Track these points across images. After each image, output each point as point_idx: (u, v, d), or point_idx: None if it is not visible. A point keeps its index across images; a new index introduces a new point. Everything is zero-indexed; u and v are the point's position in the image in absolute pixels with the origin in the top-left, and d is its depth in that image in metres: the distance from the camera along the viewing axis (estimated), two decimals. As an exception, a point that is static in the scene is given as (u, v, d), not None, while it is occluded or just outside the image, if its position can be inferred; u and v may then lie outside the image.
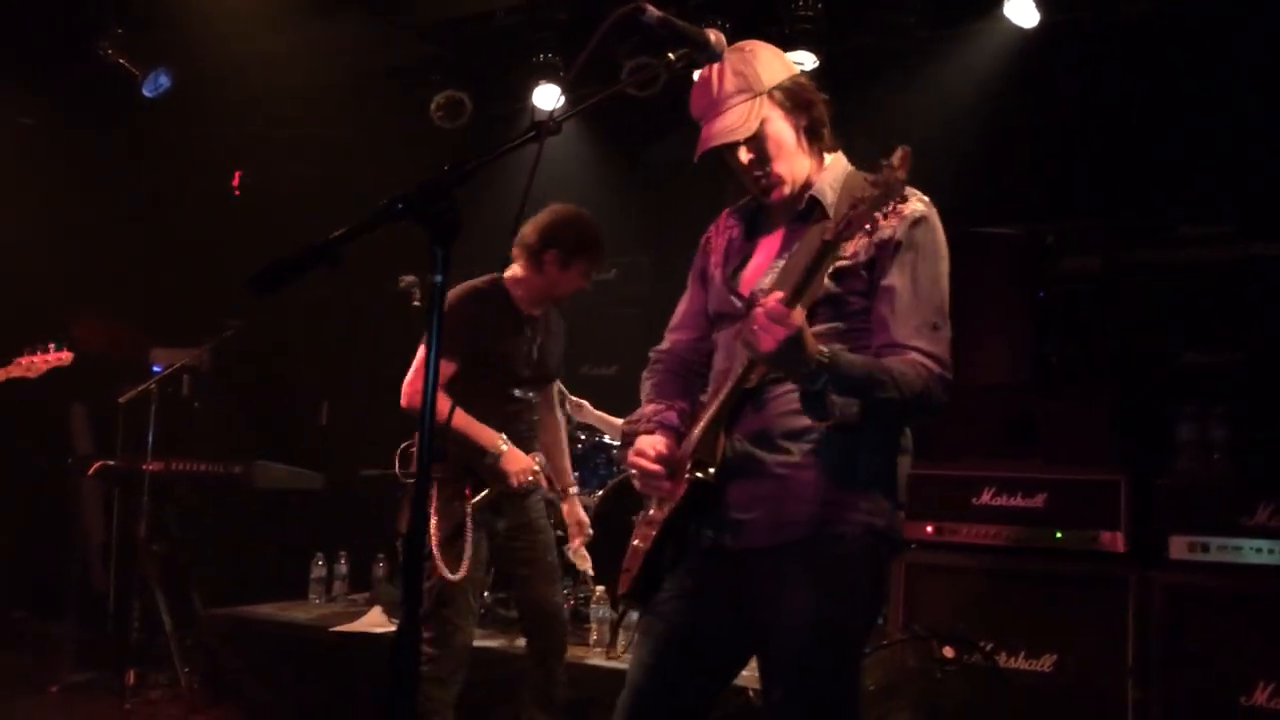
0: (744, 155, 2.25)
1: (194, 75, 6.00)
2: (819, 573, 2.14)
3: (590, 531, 3.92)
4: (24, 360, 4.48)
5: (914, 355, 2.11)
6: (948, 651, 3.53)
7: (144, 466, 5.11)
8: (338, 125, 6.49)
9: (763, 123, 2.22)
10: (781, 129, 2.25)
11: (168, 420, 5.31)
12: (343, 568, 5.56)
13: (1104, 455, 3.84)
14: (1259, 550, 3.42)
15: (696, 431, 2.23)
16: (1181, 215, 4.75)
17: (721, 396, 2.19)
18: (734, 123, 2.22)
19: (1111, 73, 4.90)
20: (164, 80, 5.82)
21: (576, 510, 3.92)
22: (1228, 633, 3.38)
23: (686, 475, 2.18)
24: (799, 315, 1.95)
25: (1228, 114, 4.64)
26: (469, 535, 3.50)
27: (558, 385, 4.02)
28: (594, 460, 5.20)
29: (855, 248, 2.13)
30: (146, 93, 5.83)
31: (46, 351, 4.53)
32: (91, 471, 5.29)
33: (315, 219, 1.70)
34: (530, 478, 3.55)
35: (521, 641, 4.05)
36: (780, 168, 2.26)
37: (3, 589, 4.67)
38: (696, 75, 2.31)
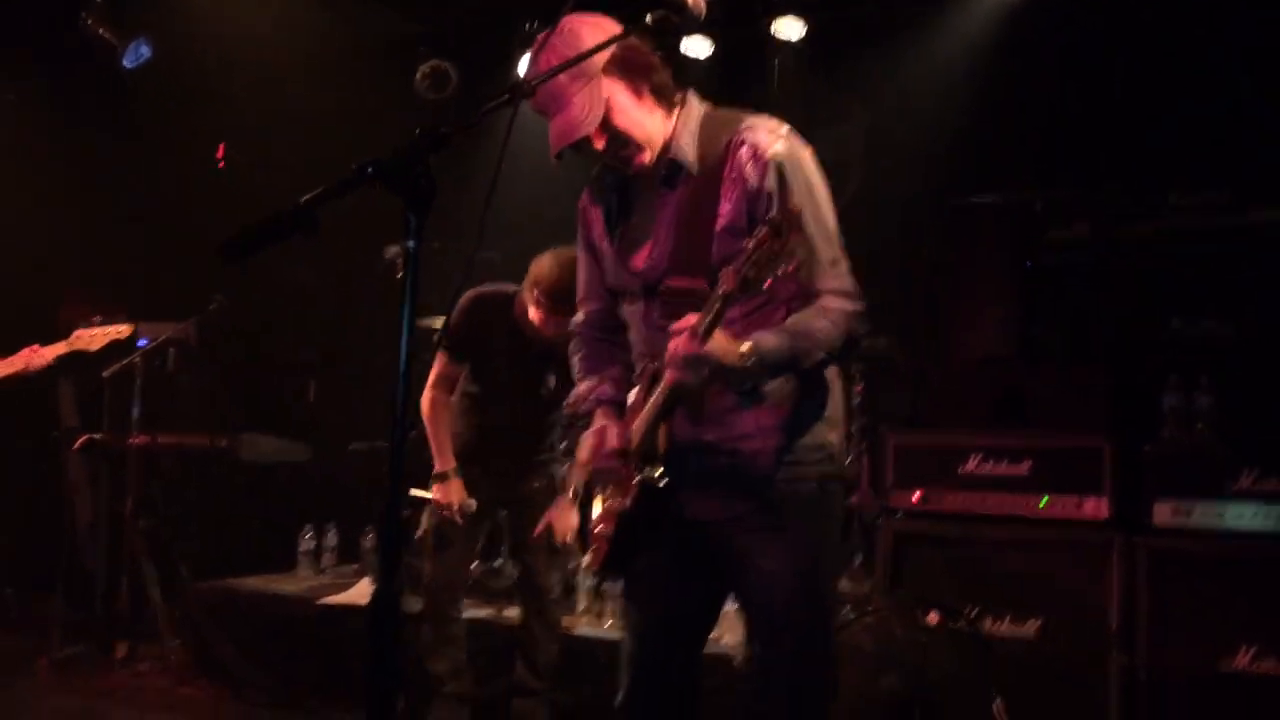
0: (598, 142, 2.23)
1: (176, 46, 5.93)
2: (782, 535, 2.22)
3: (561, 541, 3.88)
4: (84, 333, 4.45)
5: (827, 300, 2.14)
6: (933, 618, 3.54)
7: (130, 441, 5.09)
8: (323, 97, 6.43)
9: (606, 103, 2.18)
10: (625, 102, 2.21)
11: (153, 394, 5.29)
12: (332, 540, 5.56)
13: (1091, 424, 3.84)
14: (1241, 515, 3.42)
15: (639, 423, 2.24)
16: (1172, 183, 4.74)
17: (657, 398, 2.18)
18: (577, 115, 2.17)
19: (1102, 39, 4.87)
20: (144, 51, 5.76)
21: (568, 516, 3.88)
22: (1211, 597, 3.39)
23: (635, 477, 2.21)
24: (716, 346, 1.99)
25: (1220, 80, 4.62)
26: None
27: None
28: (580, 429, 5.19)
29: (730, 210, 2.15)
30: (127, 64, 5.77)
31: (106, 324, 4.49)
32: (77, 446, 5.27)
33: (302, 191, 1.67)
34: (445, 513, 3.82)
35: (511, 611, 4.09)
36: (636, 142, 2.24)
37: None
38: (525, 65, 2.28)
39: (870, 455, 4.71)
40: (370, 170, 1.68)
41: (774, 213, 1.97)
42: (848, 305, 2.15)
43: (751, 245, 1.94)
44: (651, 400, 2.20)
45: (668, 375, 2.10)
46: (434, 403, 3.91)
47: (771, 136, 2.19)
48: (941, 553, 3.82)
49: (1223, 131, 4.63)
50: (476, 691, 3.97)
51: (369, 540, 5.42)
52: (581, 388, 2.46)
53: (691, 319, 2.00)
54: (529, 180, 5.85)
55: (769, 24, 5.10)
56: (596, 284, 2.48)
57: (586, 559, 2.43)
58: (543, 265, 3.70)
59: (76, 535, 5.91)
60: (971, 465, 3.84)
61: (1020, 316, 4.44)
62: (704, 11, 2.17)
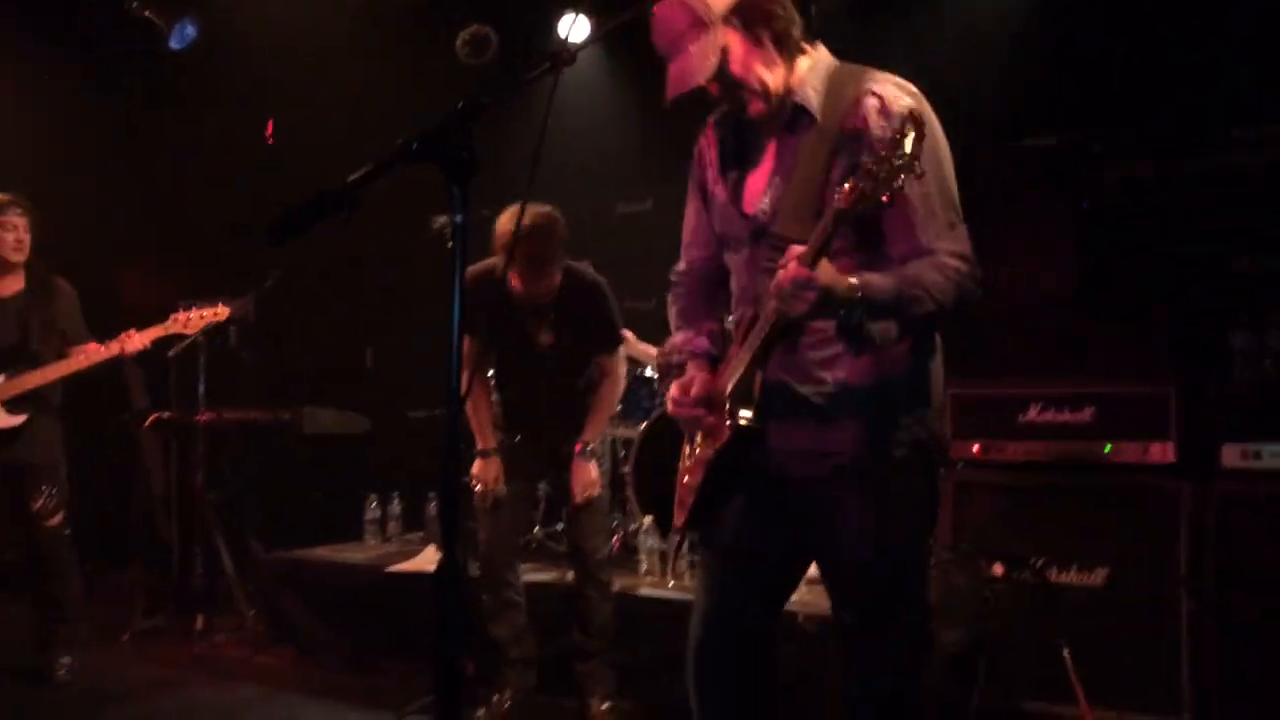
0: (713, 90, 2.21)
1: (220, 25, 5.98)
2: (871, 495, 2.17)
3: (594, 492, 3.94)
4: (180, 316, 4.55)
5: (941, 257, 2.08)
6: (997, 569, 3.52)
7: (197, 418, 5.20)
8: (366, 66, 6.45)
9: (723, 52, 2.14)
10: (744, 52, 2.17)
11: (216, 372, 5.40)
12: (396, 508, 5.65)
13: (1156, 366, 3.76)
14: (1314, 456, 3.34)
15: (731, 370, 2.22)
16: (1235, 117, 4.59)
17: (754, 340, 2.15)
18: (693, 64, 2.15)
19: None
20: (190, 31, 5.82)
21: (580, 471, 3.94)
22: (1282, 540, 3.32)
23: (727, 420, 2.18)
24: (824, 273, 1.93)
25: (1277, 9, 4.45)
26: None
27: (618, 351, 4.03)
28: (637, 394, 5.21)
29: (852, 155, 2.07)
30: (173, 44, 5.83)
31: (203, 307, 4.58)
32: (147, 425, 5.39)
33: (348, 162, 1.68)
34: (480, 489, 3.89)
35: (571, 574, 4.14)
36: (754, 90, 2.20)
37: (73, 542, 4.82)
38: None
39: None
40: (415, 146, 1.69)
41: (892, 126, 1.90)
42: (963, 266, 2.09)
43: (869, 157, 1.88)
44: (749, 341, 2.17)
45: (770, 307, 2.03)
46: (468, 384, 3.94)
47: (901, 91, 2.14)
48: (1004, 503, 3.77)
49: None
50: (539, 654, 4.02)
51: (432, 507, 5.49)
52: (677, 338, 2.44)
53: (798, 249, 1.95)
54: (574, 137, 5.86)
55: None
56: (704, 230, 2.45)
57: (675, 515, 2.40)
58: (498, 224, 3.72)
59: (153, 510, 6.08)
60: (1032, 414, 3.78)
61: (1080, 259, 4.35)
62: None
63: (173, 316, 4.56)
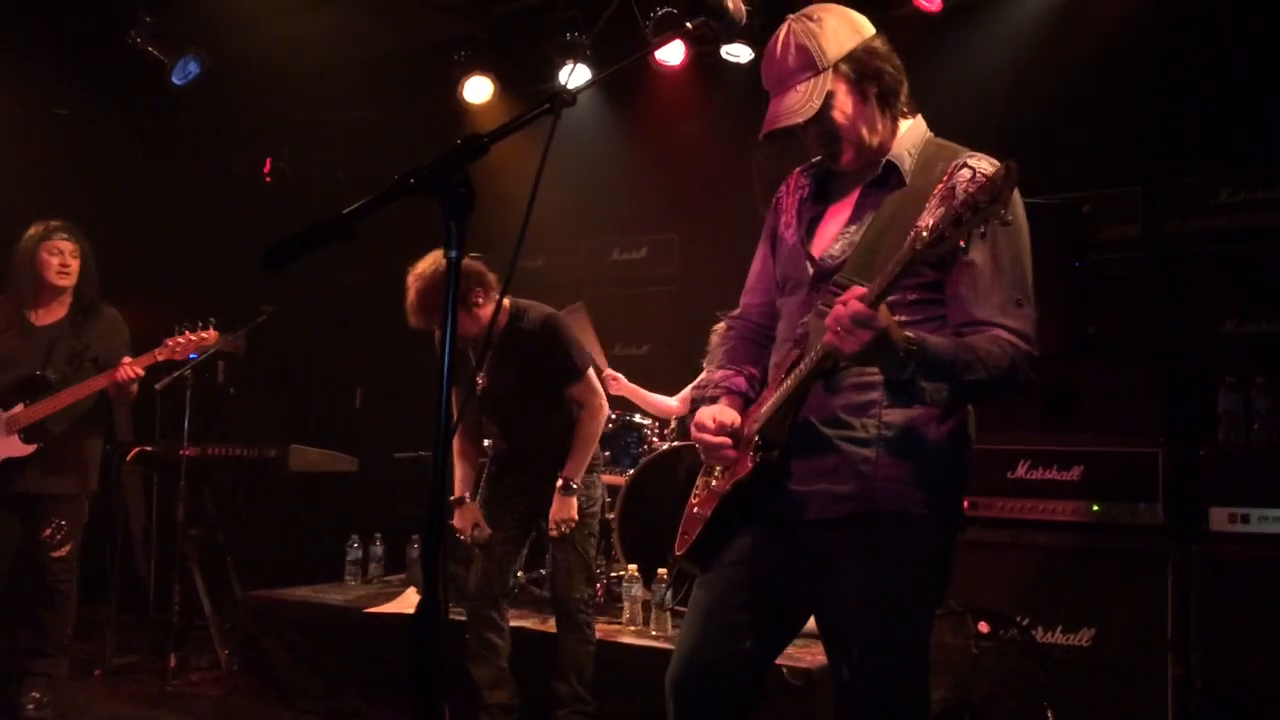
0: (810, 132, 2.21)
1: (223, 62, 6.02)
2: (880, 549, 2.11)
3: (566, 528, 3.93)
4: (170, 341, 4.53)
5: (998, 332, 2.05)
6: (983, 627, 3.49)
7: (181, 452, 5.16)
8: (367, 107, 6.50)
9: (828, 98, 2.16)
10: (848, 103, 2.18)
11: (203, 406, 5.36)
12: (378, 549, 5.59)
13: (1144, 426, 3.77)
14: (1302, 521, 3.34)
15: (767, 407, 2.20)
16: (1222, 180, 4.65)
17: (795, 379, 2.13)
18: (795, 104, 2.16)
19: (1147, 36, 4.79)
20: (193, 67, 5.84)
21: (555, 506, 3.92)
22: (1269, 605, 3.31)
23: (752, 454, 2.16)
24: (884, 316, 1.90)
25: (1268, 76, 4.53)
26: None
27: (583, 382, 4.01)
28: (625, 439, 5.20)
29: (931, 219, 2.00)
30: (176, 80, 5.85)
31: (192, 331, 4.57)
32: (130, 457, 5.34)
33: (348, 201, 1.68)
34: (462, 538, 3.96)
35: (553, 621, 4.10)
36: (849, 142, 2.21)
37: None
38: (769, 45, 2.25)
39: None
40: (411, 181, 1.69)
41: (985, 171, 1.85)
42: (1022, 345, 2.04)
43: (956, 203, 1.83)
44: (789, 378, 2.14)
45: (823, 340, 1.96)
46: (456, 437, 4.06)
47: (993, 167, 2.12)
48: (991, 560, 3.76)
49: (1275, 124, 4.54)
50: (518, 704, 3.96)
51: (415, 549, 5.45)
52: (716, 374, 2.42)
53: (860, 289, 1.92)
54: (571, 184, 5.91)
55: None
56: (767, 278, 2.44)
57: (676, 543, 2.34)
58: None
59: (131, 545, 6.00)
60: (1022, 471, 3.79)
61: (1070, 318, 4.37)
62: (744, 17, 2.17)
63: (164, 342, 4.54)
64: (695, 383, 2.54)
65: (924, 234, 1.85)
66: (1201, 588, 3.39)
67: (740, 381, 2.37)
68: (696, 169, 5.82)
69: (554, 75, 5.74)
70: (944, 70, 5.17)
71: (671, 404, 5.03)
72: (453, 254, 1.73)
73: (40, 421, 4.34)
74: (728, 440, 2.23)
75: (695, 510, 2.33)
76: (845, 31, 2.20)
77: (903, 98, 2.25)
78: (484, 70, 6.02)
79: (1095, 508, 3.64)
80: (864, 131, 2.21)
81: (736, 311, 2.52)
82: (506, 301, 3.97)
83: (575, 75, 5.52)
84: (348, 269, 6.76)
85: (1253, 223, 4.52)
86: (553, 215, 5.51)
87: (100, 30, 5.99)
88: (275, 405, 6.76)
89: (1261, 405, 3.69)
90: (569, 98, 1.93)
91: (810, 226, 2.31)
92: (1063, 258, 4.30)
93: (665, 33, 5.15)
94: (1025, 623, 3.59)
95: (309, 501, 6.06)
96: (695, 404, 2.46)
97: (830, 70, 2.16)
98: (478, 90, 6.03)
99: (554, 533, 3.92)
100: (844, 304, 1.90)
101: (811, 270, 2.24)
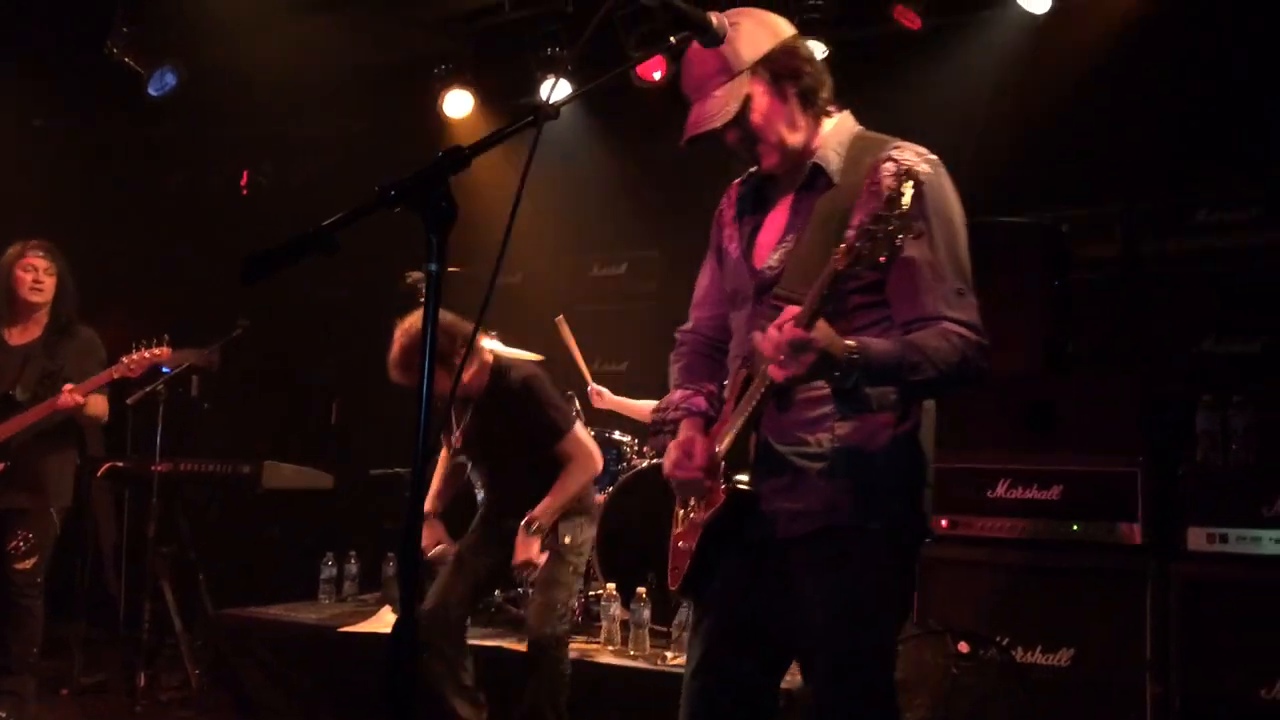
0: (730, 137, 2.20)
1: (200, 73, 5.98)
2: (838, 563, 2.11)
3: (529, 571, 3.88)
4: (125, 359, 4.50)
5: (946, 325, 2.04)
6: (963, 647, 3.48)
7: (153, 467, 5.09)
8: (346, 121, 6.47)
9: (746, 101, 2.15)
10: (766, 104, 2.17)
11: (177, 421, 5.29)
12: (353, 567, 5.53)
13: (1122, 445, 3.78)
14: (1279, 541, 3.35)
15: (728, 432, 2.18)
16: (1200, 201, 4.68)
17: (748, 401, 2.12)
18: (713, 109, 2.16)
19: (1127, 56, 4.83)
20: (170, 79, 5.80)
21: (518, 546, 3.85)
22: (1247, 625, 3.32)
23: (723, 484, 2.15)
24: (822, 333, 1.88)
25: (1248, 97, 4.57)
26: None
27: (568, 439, 3.99)
28: (604, 457, 5.16)
29: (860, 218, 2.01)
30: (152, 92, 5.81)
31: (145, 349, 4.54)
32: (100, 473, 5.27)
33: (325, 216, 1.65)
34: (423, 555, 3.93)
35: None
36: (771, 144, 2.20)
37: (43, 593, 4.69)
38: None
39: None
40: (392, 193, 1.66)
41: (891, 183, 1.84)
42: (971, 335, 2.04)
43: (866, 217, 1.82)
44: (743, 403, 2.13)
45: (765, 369, 1.97)
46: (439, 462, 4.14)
47: (918, 158, 2.12)
48: (971, 579, 3.75)
49: (1252, 146, 4.58)
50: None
51: (390, 568, 5.39)
52: (675, 395, 2.40)
53: (793, 310, 1.91)
54: (551, 199, 5.89)
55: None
56: (715, 292, 2.43)
57: (670, 578, 2.34)
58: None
59: (101, 561, 5.91)
60: (1001, 490, 3.78)
61: (1050, 337, 4.38)
62: (728, 32, 2.16)
63: (120, 359, 4.50)
64: (657, 404, 2.51)
65: (841, 256, 1.85)
66: (1180, 607, 3.39)
67: (700, 401, 2.36)
68: (677, 185, 5.81)
69: (535, 90, 5.73)
70: (924, 88, 5.20)
71: None
72: (433, 267, 1.71)
73: (19, 438, 4.32)
74: (699, 475, 2.21)
75: (680, 545, 2.31)
76: (761, 34, 2.19)
77: (824, 95, 2.24)
78: (464, 85, 6.01)
79: (1075, 527, 3.64)
80: (784, 131, 2.20)
81: (688, 326, 2.50)
82: (489, 357, 3.99)
83: (557, 90, 5.56)
84: (325, 282, 6.71)
85: (1230, 243, 4.56)
86: (533, 230, 5.49)
87: (77, 41, 5.94)
88: (250, 420, 6.68)
89: (1238, 424, 3.70)
90: (552, 111, 1.91)
91: (750, 238, 2.30)
92: (1044, 276, 4.31)
93: (648, 48, 5.17)
94: (1005, 643, 3.57)
95: (283, 518, 5.99)
96: (655, 425, 2.43)
97: (746, 73, 2.16)
98: (458, 104, 6.01)
99: (516, 574, 3.89)
100: (778, 329, 1.88)
101: (753, 283, 2.23)
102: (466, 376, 3.85)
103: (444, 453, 4.14)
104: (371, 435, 6.38)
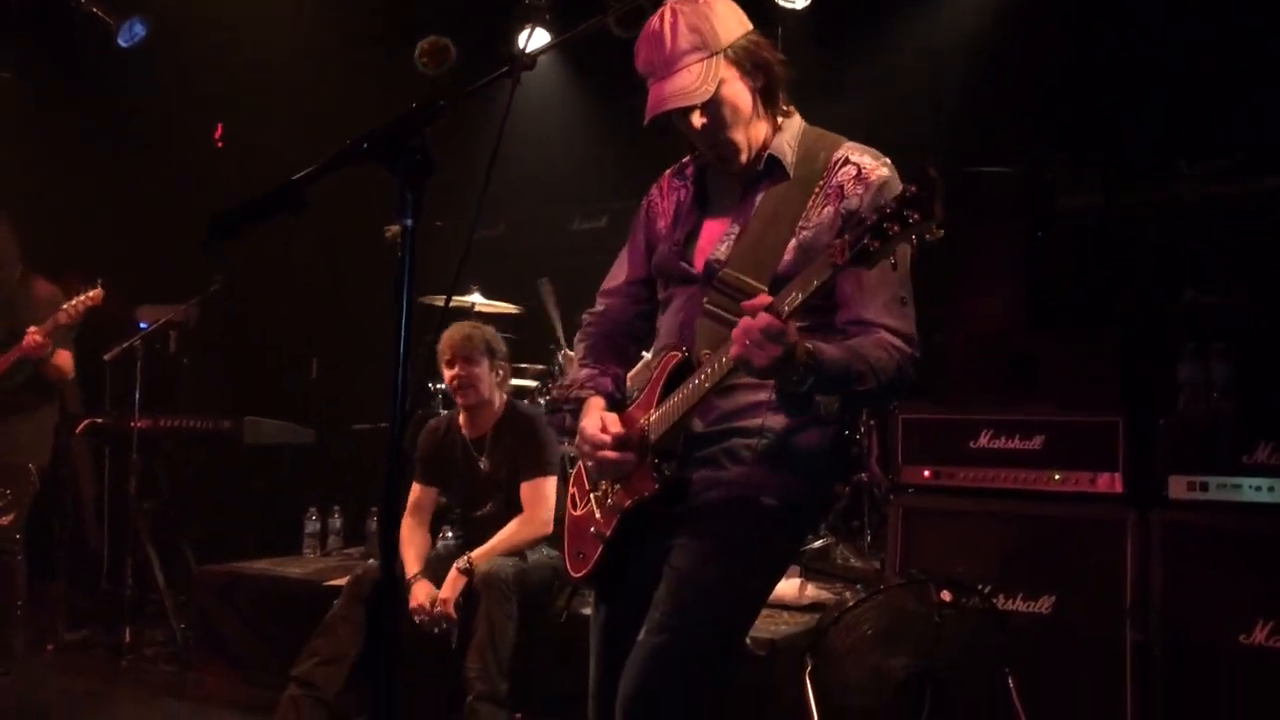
0: (697, 120, 2.11)
1: (171, 24, 5.86)
2: (720, 530, 2.09)
3: (440, 611, 3.61)
4: (66, 306, 4.47)
5: (883, 335, 2.03)
6: (945, 595, 3.50)
7: (132, 424, 5.06)
8: (323, 73, 6.36)
9: (720, 85, 2.07)
10: (738, 91, 2.11)
11: (155, 377, 5.25)
12: (336, 522, 5.52)
13: (1104, 396, 3.79)
14: (1259, 489, 3.37)
15: (660, 416, 2.13)
16: (1181, 150, 4.66)
17: (695, 389, 2.05)
18: (689, 84, 2.07)
19: (1110, 5, 4.79)
20: (139, 29, 5.69)
21: (450, 585, 3.67)
22: (1227, 572, 3.34)
23: (653, 470, 2.10)
24: (793, 332, 1.85)
25: (1229, 48, 4.53)
26: None
27: (539, 483, 3.96)
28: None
29: (820, 218, 2.04)
30: (121, 42, 5.70)
31: (78, 294, 4.52)
32: (79, 429, 5.24)
33: (301, 169, 1.61)
34: (415, 618, 3.54)
35: None
36: (736, 134, 2.13)
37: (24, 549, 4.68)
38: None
39: (879, 431, 4.67)
40: (366, 145, 1.63)
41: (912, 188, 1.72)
42: (906, 348, 2.04)
43: (875, 216, 1.73)
44: (689, 388, 2.06)
45: (731, 351, 1.89)
46: (406, 526, 3.94)
47: (877, 162, 2.10)
48: (953, 529, 3.77)
49: (1232, 97, 4.55)
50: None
51: (373, 522, 5.38)
52: (581, 374, 2.33)
53: (767, 298, 1.86)
54: (532, 153, 5.83)
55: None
56: (634, 282, 2.38)
57: (572, 566, 2.26)
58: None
59: (81, 517, 5.90)
60: (983, 440, 3.79)
61: (1031, 287, 4.38)
62: (703, 9, 2.09)
63: (60, 308, 4.49)
64: (560, 381, 2.45)
65: (840, 255, 1.77)
66: (1160, 555, 3.42)
67: (606, 382, 2.31)
68: (655, 136, 5.74)
69: (514, 39, 5.64)
70: (904, 40, 5.15)
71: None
72: (408, 222, 1.67)
73: None
74: (630, 455, 2.13)
75: (591, 530, 2.23)
76: (733, 20, 2.14)
77: (782, 96, 2.19)
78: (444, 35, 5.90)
79: (1056, 476, 3.65)
80: (748, 127, 2.15)
81: (599, 308, 2.45)
82: (504, 396, 4.17)
83: (534, 40, 5.48)
84: (303, 236, 6.65)
85: (1210, 192, 4.54)
86: (512, 184, 5.43)
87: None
88: (229, 376, 6.63)
89: (1220, 373, 3.71)
90: (528, 61, 1.88)
91: (694, 226, 2.25)
92: (1025, 228, 4.30)
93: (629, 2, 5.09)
94: (987, 591, 3.60)
95: (265, 473, 5.96)
96: (553, 404, 2.38)
97: (722, 55, 2.09)
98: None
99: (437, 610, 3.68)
100: (753, 315, 1.84)
101: (696, 274, 2.18)
102: (486, 392, 4.01)
103: (406, 521, 3.91)
104: (351, 390, 6.34)
